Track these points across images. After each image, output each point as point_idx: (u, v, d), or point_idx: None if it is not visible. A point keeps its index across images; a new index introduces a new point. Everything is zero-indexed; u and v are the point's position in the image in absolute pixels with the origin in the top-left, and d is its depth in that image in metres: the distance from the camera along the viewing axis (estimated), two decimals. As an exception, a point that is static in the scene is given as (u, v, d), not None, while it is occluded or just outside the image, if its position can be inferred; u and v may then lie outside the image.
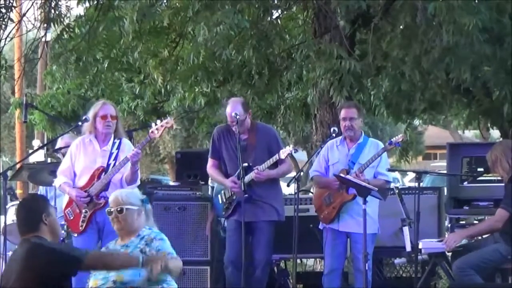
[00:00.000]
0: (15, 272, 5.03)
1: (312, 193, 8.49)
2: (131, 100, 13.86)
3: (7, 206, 8.75)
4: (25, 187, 22.24)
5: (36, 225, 5.11)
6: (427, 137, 31.68)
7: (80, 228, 7.26)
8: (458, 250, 7.25)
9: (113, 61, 12.18)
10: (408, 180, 26.35)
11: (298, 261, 8.79)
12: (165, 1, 11.16)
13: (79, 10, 11.56)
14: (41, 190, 9.10)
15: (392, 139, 7.61)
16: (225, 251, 7.86)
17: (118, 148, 7.36)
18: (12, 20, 10.31)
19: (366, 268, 7.16)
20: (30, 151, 21.14)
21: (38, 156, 14.60)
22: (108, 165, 7.30)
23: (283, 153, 7.55)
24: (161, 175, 30.89)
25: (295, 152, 7.66)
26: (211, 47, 10.06)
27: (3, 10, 9.91)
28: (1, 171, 9.24)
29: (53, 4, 10.21)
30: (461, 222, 8.68)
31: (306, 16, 10.96)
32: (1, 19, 9.90)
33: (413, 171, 8.54)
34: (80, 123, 7.60)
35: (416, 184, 7.77)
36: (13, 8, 10.16)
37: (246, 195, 7.56)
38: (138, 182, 7.36)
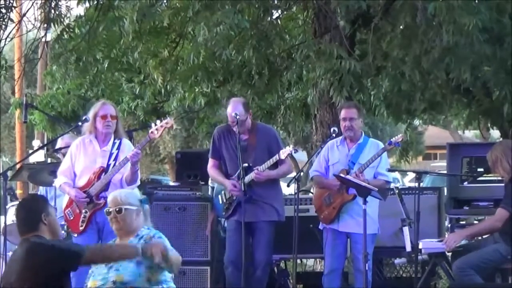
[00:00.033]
0: (16, 272, 5.04)
1: (312, 193, 8.49)
2: (131, 100, 13.87)
3: (7, 206, 8.75)
4: (25, 187, 22.24)
5: (36, 225, 5.13)
6: (427, 137, 31.67)
7: (80, 228, 7.26)
8: (458, 250, 7.24)
9: (113, 61, 12.18)
10: (408, 180, 26.35)
11: (298, 261, 8.79)
12: (165, 1, 11.16)
13: (79, 10, 11.58)
14: (41, 190, 9.10)
15: (391, 139, 7.61)
16: (225, 251, 7.86)
17: (118, 148, 7.36)
18: (12, 20, 10.31)
19: (366, 268, 7.16)
20: (30, 151, 21.15)
21: (38, 156, 14.60)
22: (108, 165, 7.31)
23: (283, 153, 7.55)
24: (161, 175, 30.89)
25: (295, 153, 7.66)
26: (211, 47, 10.06)
27: (3, 10, 9.92)
28: (1, 171, 9.24)
29: (53, 4, 10.21)
30: (461, 222, 8.68)
31: (306, 16, 10.96)
32: (1, 19, 9.90)
33: (413, 171, 8.54)
34: (80, 123, 7.61)
35: (416, 184, 7.77)
36: (13, 8, 10.16)
37: (246, 196, 7.56)
38: (138, 183, 7.36)
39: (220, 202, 7.96)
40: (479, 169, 8.39)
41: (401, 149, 15.93)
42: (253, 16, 10.37)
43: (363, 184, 7.20)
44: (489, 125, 14.98)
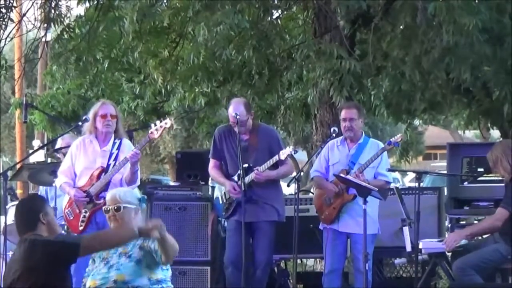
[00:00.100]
0: (16, 272, 5.07)
1: (312, 193, 8.50)
2: (131, 100, 13.86)
3: (7, 206, 8.75)
4: (25, 187, 22.22)
5: (34, 224, 5.17)
6: (427, 137, 31.64)
7: (80, 228, 7.27)
8: (458, 250, 7.24)
9: (113, 61, 12.18)
10: (408, 180, 26.36)
11: (298, 261, 8.79)
12: (165, 1, 11.16)
13: (79, 10, 11.58)
14: (41, 190, 9.10)
15: (391, 139, 7.61)
16: (225, 251, 7.86)
17: (118, 148, 7.37)
18: (12, 20, 10.31)
19: (366, 268, 7.16)
20: (30, 151, 21.15)
21: (38, 156, 14.61)
22: (108, 165, 7.31)
23: (283, 154, 7.55)
24: (161, 175, 30.90)
25: (295, 153, 7.66)
26: (211, 47, 10.06)
27: (3, 10, 9.91)
28: (1, 171, 9.24)
29: (53, 4, 10.21)
30: (461, 222, 8.67)
31: (306, 16, 10.96)
32: (1, 19, 9.90)
33: (413, 171, 8.53)
34: (80, 123, 7.61)
35: (416, 184, 7.76)
36: (13, 8, 10.16)
37: (246, 196, 7.56)
38: (138, 183, 7.37)
39: (220, 202, 7.96)
40: (479, 169, 8.39)
41: (401, 149, 15.89)
42: (253, 16, 10.37)
43: (363, 184, 7.20)
44: (489, 125, 14.97)
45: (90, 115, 7.45)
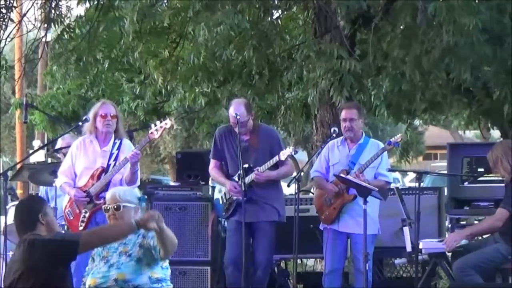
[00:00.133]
0: (16, 272, 5.08)
1: (312, 193, 8.50)
2: (131, 100, 13.87)
3: (7, 206, 8.76)
4: (26, 187, 22.22)
5: (33, 225, 5.20)
6: (427, 137, 31.63)
7: (80, 228, 7.27)
8: (458, 250, 7.24)
9: (114, 62, 12.19)
10: (409, 180, 26.36)
11: (299, 261, 8.79)
12: (165, 1, 11.16)
13: (79, 11, 11.58)
14: (42, 190, 9.10)
15: (391, 139, 7.61)
16: (226, 251, 7.86)
17: (118, 148, 7.38)
18: (12, 21, 10.31)
19: (367, 268, 7.16)
20: (31, 151, 21.15)
21: (39, 156, 14.61)
22: (108, 165, 7.32)
23: (283, 154, 7.55)
24: (161, 175, 30.90)
25: (295, 154, 7.65)
26: (211, 47, 10.07)
27: (4, 11, 9.92)
28: (2, 171, 9.24)
29: (53, 5, 10.21)
30: (461, 222, 8.67)
31: (306, 16, 10.96)
32: (2, 20, 9.90)
33: (414, 171, 8.53)
34: (80, 124, 7.62)
35: (417, 184, 7.76)
36: (13, 8, 10.16)
37: (245, 198, 7.55)
38: (138, 183, 7.37)
39: (221, 202, 7.96)
40: (479, 169, 8.39)
41: (401, 149, 15.94)
42: (253, 16, 10.37)
43: (364, 184, 7.20)
44: (489, 125, 14.99)
45: (90, 115, 7.46)
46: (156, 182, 19.53)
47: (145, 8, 10.15)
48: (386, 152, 7.65)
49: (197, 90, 11.91)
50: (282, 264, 9.04)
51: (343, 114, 7.71)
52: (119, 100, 13.54)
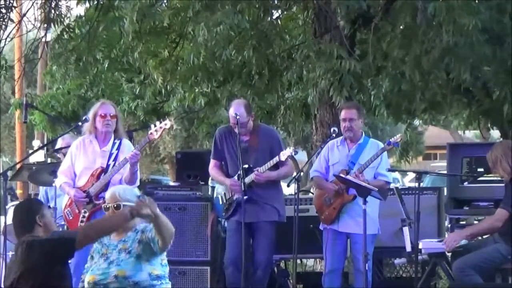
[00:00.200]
0: (16, 273, 5.11)
1: (312, 193, 8.50)
2: (131, 100, 13.88)
3: (7, 206, 8.76)
4: (25, 187, 22.24)
5: (31, 226, 5.25)
6: (427, 137, 31.62)
7: (80, 228, 7.27)
8: (458, 250, 7.24)
9: (113, 61, 12.19)
10: (408, 180, 26.35)
11: (298, 261, 8.79)
12: (165, 1, 11.16)
13: (79, 10, 11.58)
14: (41, 190, 9.10)
15: (390, 140, 7.61)
16: (226, 251, 7.86)
17: (118, 148, 7.38)
18: (12, 21, 10.31)
19: (366, 268, 7.16)
20: (30, 151, 21.15)
21: (38, 156, 14.62)
22: (108, 165, 7.32)
23: (283, 155, 7.55)
24: (161, 175, 30.90)
25: (295, 154, 7.66)
26: (211, 47, 10.07)
27: (3, 10, 9.92)
28: (1, 171, 9.25)
29: (53, 4, 10.21)
30: (461, 222, 8.67)
31: (306, 16, 10.96)
32: (1, 19, 9.90)
33: (413, 171, 8.53)
34: (80, 123, 7.62)
35: (416, 184, 7.76)
36: (13, 8, 10.16)
37: (246, 197, 7.56)
38: (138, 183, 7.37)
39: (220, 202, 7.96)
40: (479, 169, 8.39)
41: (401, 149, 15.91)
42: (253, 16, 10.37)
43: (363, 184, 7.20)
44: (489, 125, 14.99)
45: (90, 115, 7.46)
46: (156, 182, 19.54)
47: (145, 8, 10.15)
48: (385, 152, 7.65)
49: (196, 90, 11.92)
50: (282, 264, 9.04)
51: (343, 114, 7.71)
52: (118, 100, 13.54)
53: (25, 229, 5.25)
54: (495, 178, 7.95)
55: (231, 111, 7.71)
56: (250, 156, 7.71)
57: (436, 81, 10.71)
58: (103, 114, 7.38)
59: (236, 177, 7.71)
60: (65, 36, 10.73)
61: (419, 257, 7.52)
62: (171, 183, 12.16)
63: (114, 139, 7.43)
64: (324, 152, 7.81)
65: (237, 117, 7.59)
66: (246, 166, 7.62)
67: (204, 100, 12.16)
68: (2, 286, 5.67)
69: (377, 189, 7.23)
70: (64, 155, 7.95)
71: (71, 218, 7.35)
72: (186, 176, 9.17)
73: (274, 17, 11.05)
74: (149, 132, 7.32)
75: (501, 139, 14.40)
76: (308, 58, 10.16)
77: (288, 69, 11.24)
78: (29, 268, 5.06)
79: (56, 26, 10.46)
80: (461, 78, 9.52)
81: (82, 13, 11.10)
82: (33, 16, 10.37)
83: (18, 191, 20.46)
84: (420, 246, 7.41)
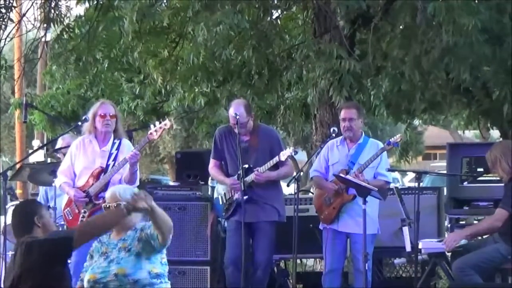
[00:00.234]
0: (15, 274, 5.12)
1: (312, 193, 8.50)
2: (131, 100, 13.88)
3: (7, 206, 8.76)
4: (25, 187, 22.25)
5: (30, 227, 5.27)
6: (427, 137, 31.65)
7: (80, 228, 7.26)
8: (458, 250, 7.24)
9: (113, 61, 12.19)
10: (408, 180, 26.37)
11: (298, 261, 8.79)
12: (165, 1, 11.16)
13: (79, 10, 11.59)
14: (41, 190, 9.10)
15: (390, 140, 7.61)
16: (226, 251, 7.86)
17: (117, 148, 7.37)
18: (12, 20, 10.32)
19: (366, 268, 7.16)
20: (30, 151, 21.15)
21: (38, 156, 14.61)
22: (107, 165, 7.32)
23: (283, 155, 7.55)
24: (161, 175, 30.90)
25: (295, 154, 7.66)
26: (211, 47, 10.07)
27: (3, 10, 9.92)
28: (1, 171, 9.25)
29: (53, 4, 10.21)
30: (461, 222, 8.68)
31: (306, 16, 10.96)
32: (1, 19, 9.90)
33: (413, 171, 8.53)
34: (80, 123, 7.62)
35: (416, 184, 7.76)
36: (13, 8, 10.17)
37: (246, 196, 7.56)
38: (138, 183, 7.37)
39: (220, 202, 7.96)
40: (479, 169, 8.39)
41: (401, 149, 15.92)
42: (253, 16, 10.38)
43: (363, 184, 7.20)
44: (489, 125, 14.99)
45: (90, 115, 7.46)
46: (156, 182, 19.53)
47: (145, 8, 10.15)
48: (385, 152, 7.65)
49: (196, 90, 11.92)
50: (282, 264, 9.04)
51: (342, 114, 7.71)
52: (118, 100, 13.55)
53: (24, 230, 5.27)
54: (495, 178, 7.94)
55: (231, 111, 7.71)
56: (250, 156, 7.71)
57: (436, 81, 10.71)
58: (102, 114, 7.38)
59: (236, 177, 7.72)
60: (65, 36, 10.73)
61: (419, 257, 7.51)
62: (171, 183, 12.17)
63: (114, 139, 7.43)
64: (324, 152, 7.81)
65: (237, 117, 7.59)
66: (246, 166, 7.62)
67: (204, 100, 12.16)
68: (2, 287, 5.67)
69: (377, 189, 7.23)
70: (64, 155, 7.95)
71: (70, 218, 7.35)
72: (186, 176, 9.17)
73: (273, 17, 11.05)
74: (148, 132, 7.32)
75: (501, 139, 14.41)
76: (308, 58, 10.16)
77: (288, 69, 11.24)
78: (28, 269, 5.07)
79: (56, 26, 10.46)
80: (461, 78, 9.52)
81: (82, 13, 11.11)
82: (33, 16, 10.40)
83: (18, 191, 20.47)
84: (420, 246, 7.41)
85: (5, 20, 9.96)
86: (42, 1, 10.35)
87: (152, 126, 7.32)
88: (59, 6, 10.41)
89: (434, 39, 9.16)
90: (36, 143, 24.52)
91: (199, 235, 8.51)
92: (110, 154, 7.36)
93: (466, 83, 10.13)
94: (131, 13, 10.09)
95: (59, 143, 8.98)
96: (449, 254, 7.61)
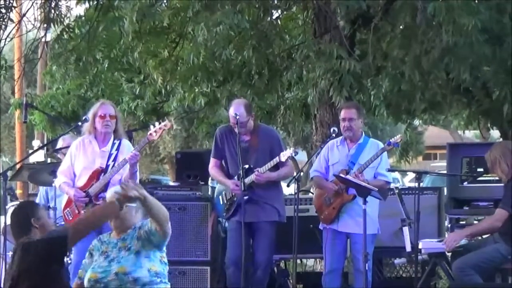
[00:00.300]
0: (14, 274, 5.14)
1: (312, 193, 8.49)
2: (131, 100, 13.88)
3: (7, 206, 8.76)
4: (25, 187, 22.23)
5: (28, 229, 5.30)
6: (427, 137, 31.63)
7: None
8: (458, 250, 7.25)
9: (113, 61, 12.19)
10: (408, 180, 26.35)
11: (298, 261, 8.79)
12: (165, 1, 11.16)
13: (79, 10, 11.59)
14: (41, 190, 9.10)
15: (390, 140, 7.61)
16: (226, 251, 7.86)
17: (117, 149, 7.37)
18: (12, 20, 10.32)
19: (366, 268, 7.16)
20: (30, 151, 21.16)
21: (38, 156, 14.64)
22: (107, 166, 7.32)
23: (284, 155, 7.54)
24: (161, 175, 30.90)
25: (295, 155, 7.66)
26: (211, 47, 10.07)
27: (3, 10, 9.93)
28: (1, 171, 9.25)
29: (53, 4, 10.22)
30: (461, 222, 8.68)
31: (306, 16, 10.96)
32: (1, 19, 9.90)
33: (413, 171, 8.54)
34: (80, 124, 7.62)
35: (416, 184, 7.76)
36: (13, 8, 10.17)
37: (246, 197, 7.56)
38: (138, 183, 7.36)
39: (221, 202, 7.96)
40: (479, 169, 8.39)
41: (401, 149, 15.92)
42: (253, 16, 10.38)
43: (363, 184, 7.20)
44: (489, 125, 14.99)
45: (90, 115, 7.46)
46: (156, 182, 19.53)
47: (145, 8, 10.16)
48: (385, 152, 7.65)
49: (196, 90, 11.92)
50: (282, 264, 9.04)
51: (342, 114, 7.71)
52: (118, 100, 13.55)
53: (21, 232, 5.31)
54: (495, 178, 7.94)
55: (231, 111, 7.71)
56: (251, 156, 7.71)
57: (436, 81, 10.71)
58: (102, 115, 7.38)
59: (236, 177, 7.71)
60: (65, 36, 10.74)
61: (419, 257, 7.52)
62: (171, 183, 12.15)
63: (114, 140, 7.43)
64: (324, 152, 7.81)
65: (237, 117, 7.59)
66: (247, 166, 7.62)
67: (204, 100, 12.16)
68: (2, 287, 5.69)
69: (377, 189, 7.23)
70: (64, 155, 7.95)
71: (70, 218, 7.35)
72: (186, 176, 9.17)
73: (274, 17, 11.05)
74: (148, 133, 7.32)
75: (501, 139, 14.41)
76: (308, 58, 10.17)
77: (288, 69, 11.24)
78: (25, 269, 5.10)
79: (56, 26, 10.47)
80: (461, 78, 9.52)
81: (82, 13, 11.11)
82: (33, 16, 10.40)
83: (18, 191, 20.46)
84: (420, 246, 7.42)
85: (5, 20, 9.96)
86: (42, 1, 10.35)
87: (152, 126, 7.32)
88: (59, 6, 10.41)
89: (434, 39, 9.17)
90: (36, 143, 24.52)
91: (199, 235, 8.51)
92: (110, 155, 7.36)
93: (466, 83, 10.13)
94: (131, 13, 10.09)
95: (60, 144, 8.97)
96: (449, 254, 7.61)
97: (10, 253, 7.19)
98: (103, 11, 10.48)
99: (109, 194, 5.91)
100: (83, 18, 10.92)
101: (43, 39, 10.82)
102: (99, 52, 11.66)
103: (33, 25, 10.51)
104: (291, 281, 8.58)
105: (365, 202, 7.10)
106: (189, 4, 10.07)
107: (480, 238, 7.60)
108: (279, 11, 11.60)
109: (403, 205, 7.69)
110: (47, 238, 5.18)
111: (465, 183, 8.59)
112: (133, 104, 13.86)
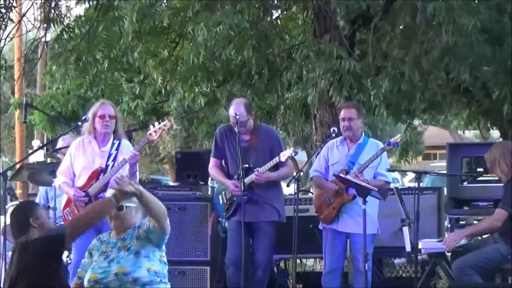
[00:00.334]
0: (13, 274, 5.16)
1: (312, 193, 8.50)
2: (131, 100, 13.88)
3: (7, 206, 8.75)
4: (25, 187, 22.22)
5: (26, 229, 5.32)
6: (427, 137, 31.65)
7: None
8: (457, 250, 7.25)
9: (113, 61, 12.19)
10: (408, 180, 26.36)
11: (298, 261, 8.79)
12: (165, 1, 11.16)
13: (79, 10, 11.59)
14: (41, 190, 9.10)
15: (390, 140, 7.61)
16: (226, 251, 7.86)
17: (117, 149, 7.38)
18: (12, 20, 10.32)
19: (366, 268, 7.16)
20: (30, 151, 21.15)
21: (38, 156, 14.63)
22: (107, 166, 7.32)
23: (283, 155, 7.54)
24: (161, 175, 30.89)
25: (295, 155, 7.66)
26: (211, 47, 10.07)
27: (3, 10, 9.93)
28: (1, 171, 9.24)
29: (53, 4, 10.22)
30: (461, 222, 8.68)
31: (306, 16, 10.96)
32: (1, 19, 9.90)
33: (413, 171, 8.54)
34: (80, 124, 7.62)
35: (416, 184, 7.76)
36: (13, 8, 10.17)
37: (246, 197, 7.56)
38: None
39: (221, 202, 7.96)
40: (478, 169, 8.39)
41: (401, 149, 15.93)
42: (252, 16, 10.38)
43: (363, 184, 7.20)
44: (489, 125, 14.99)
45: (89, 115, 7.46)
46: (156, 182, 19.53)
47: (145, 8, 10.16)
48: (385, 152, 7.65)
49: (196, 90, 11.92)
50: (282, 264, 9.04)
51: (342, 114, 7.71)
52: (118, 100, 13.55)
53: (20, 232, 5.33)
54: (495, 178, 7.95)
55: (231, 111, 7.71)
56: (250, 156, 7.71)
57: (435, 81, 10.71)
58: (102, 115, 7.38)
59: (236, 177, 7.71)
60: (65, 36, 10.73)
61: (419, 257, 7.52)
62: (171, 183, 12.15)
63: (113, 140, 7.43)
64: (324, 152, 7.81)
65: (237, 116, 7.59)
66: (246, 166, 7.63)
67: (204, 100, 12.17)
68: (2, 287, 5.69)
69: (376, 189, 7.23)
70: (64, 155, 7.96)
71: (70, 218, 7.34)
72: (185, 176, 9.17)
73: (273, 17, 11.05)
74: (148, 133, 7.32)
75: (501, 139, 14.41)
76: (308, 58, 10.17)
77: (288, 69, 11.24)
78: (23, 268, 5.11)
79: (56, 26, 10.46)
80: (461, 78, 9.52)
81: (82, 13, 11.11)
82: (33, 16, 10.40)
83: (18, 191, 20.45)
84: (419, 246, 7.42)
85: (5, 20, 9.96)
86: (42, 1, 10.35)
87: (151, 126, 7.33)
88: (59, 6, 10.41)
89: (434, 39, 9.17)
90: (36, 143, 24.52)
91: (199, 235, 8.51)
92: (110, 155, 7.36)
93: (466, 83, 10.13)
94: (131, 13, 10.10)
95: (59, 143, 8.97)
96: (449, 254, 7.61)
97: (10, 253, 7.20)
98: (103, 11, 10.48)
99: (109, 194, 5.91)
100: (83, 18, 10.92)
101: (43, 39, 10.82)
102: (99, 52, 11.66)
103: (33, 25, 10.52)
104: (291, 281, 8.57)
105: (365, 202, 7.10)
106: (189, 4, 10.07)
107: (480, 238, 7.60)
108: (279, 11, 11.60)
109: (403, 205, 7.69)
110: (45, 236, 5.19)
111: (465, 183, 8.59)
112: (133, 104, 13.86)
